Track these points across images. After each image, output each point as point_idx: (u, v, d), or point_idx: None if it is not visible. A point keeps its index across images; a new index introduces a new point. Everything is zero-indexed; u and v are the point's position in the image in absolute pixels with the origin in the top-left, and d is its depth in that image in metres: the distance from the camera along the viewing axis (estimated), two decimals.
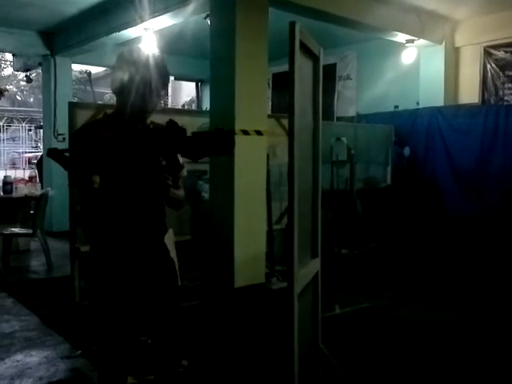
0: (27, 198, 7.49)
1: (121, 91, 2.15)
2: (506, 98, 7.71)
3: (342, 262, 6.48)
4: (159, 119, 2.28)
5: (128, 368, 2.36)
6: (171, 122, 2.03)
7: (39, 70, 10.38)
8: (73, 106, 4.81)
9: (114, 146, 2.13)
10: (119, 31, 7.23)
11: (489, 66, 7.83)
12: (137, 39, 7.62)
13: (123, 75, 2.12)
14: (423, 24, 7.56)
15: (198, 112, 9.41)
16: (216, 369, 3.58)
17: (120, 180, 2.14)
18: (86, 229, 2.26)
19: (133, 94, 2.11)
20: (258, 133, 5.27)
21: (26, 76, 10.44)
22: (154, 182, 2.13)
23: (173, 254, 2.37)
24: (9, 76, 23.74)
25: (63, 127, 8.04)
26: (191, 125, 5.54)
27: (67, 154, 2.10)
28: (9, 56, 15.92)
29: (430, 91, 8.02)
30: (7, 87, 23.01)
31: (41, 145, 15.70)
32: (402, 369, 3.57)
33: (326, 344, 2.90)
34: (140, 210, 2.19)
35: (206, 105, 10.39)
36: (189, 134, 2.05)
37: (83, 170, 2.03)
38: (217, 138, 2.00)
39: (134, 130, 2.18)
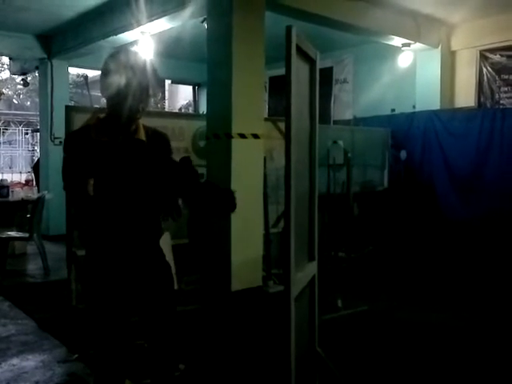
0: (24, 202, 7.47)
1: (108, 94, 2.16)
2: (502, 101, 7.74)
3: (338, 265, 6.47)
4: (156, 123, 2.29)
5: (125, 372, 2.35)
6: (186, 160, 2.05)
7: (36, 74, 10.37)
8: (70, 110, 4.80)
9: (103, 149, 2.13)
10: (116, 35, 7.23)
11: (485, 69, 7.86)
12: (134, 43, 7.63)
13: (109, 78, 2.12)
14: (419, 28, 7.59)
15: (195, 115, 9.41)
16: (213, 373, 3.58)
17: (112, 184, 2.13)
18: (81, 233, 2.26)
19: (119, 96, 2.11)
20: (255, 136, 5.27)
21: (22, 79, 10.42)
22: (147, 186, 2.13)
23: (169, 257, 2.37)
24: (5, 79, 23.69)
25: (60, 131, 8.04)
26: (188, 128, 5.56)
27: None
28: (5, 59, 15.90)
29: (427, 95, 8.05)
30: (4, 90, 22.97)
31: (37, 148, 15.65)
32: (399, 372, 3.57)
33: (323, 347, 2.90)
34: (134, 214, 2.18)
35: (203, 108, 10.39)
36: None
37: (77, 174, 2.04)
38: (224, 198, 2.03)
39: (125, 135, 2.18)
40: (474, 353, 3.90)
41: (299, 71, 2.42)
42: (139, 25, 6.71)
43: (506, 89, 7.71)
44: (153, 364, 2.29)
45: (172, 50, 8.88)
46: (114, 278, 2.19)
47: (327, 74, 9.44)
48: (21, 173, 15.51)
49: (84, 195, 2.01)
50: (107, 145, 2.14)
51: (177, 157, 2.24)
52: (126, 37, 7.33)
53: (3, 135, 19.75)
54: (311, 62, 2.73)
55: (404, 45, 7.76)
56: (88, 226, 2.20)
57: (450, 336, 4.26)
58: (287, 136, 2.24)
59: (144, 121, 2.27)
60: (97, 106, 15.84)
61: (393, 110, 8.45)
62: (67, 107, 4.92)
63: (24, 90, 22.76)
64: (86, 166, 2.06)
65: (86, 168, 2.06)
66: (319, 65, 2.81)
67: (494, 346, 4.05)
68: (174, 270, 2.39)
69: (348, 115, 9.28)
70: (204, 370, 3.60)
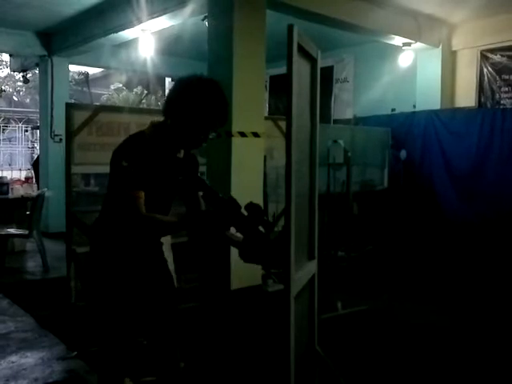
0: (23, 199, 7.47)
1: (185, 120, 2.11)
2: (502, 101, 7.74)
3: (338, 264, 6.48)
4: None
5: (125, 370, 2.36)
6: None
7: (36, 71, 10.37)
8: (70, 107, 4.80)
9: (161, 163, 2.15)
10: (116, 32, 7.23)
11: (485, 69, 7.86)
12: (134, 40, 7.62)
13: (194, 108, 2.08)
14: (420, 27, 7.59)
15: None
16: (212, 371, 3.58)
17: (158, 196, 2.20)
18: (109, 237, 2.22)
19: (198, 129, 2.12)
20: (256, 135, 5.28)
21: (22, 76, 10.42)
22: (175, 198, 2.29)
23: (168, 255, 2.39)
24: (5, 76, 23.68)
25: (60, 128, 8.03)
26: None
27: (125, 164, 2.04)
28: (6, 56, 15.88)
29: (427, 94, 8.05)
30: (4, 88, 22.96)
31: (37, 145, 15.65)
32: (398, 371, 3.57)
33: (322, 346, 2.90)
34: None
35: None
36: None
37: (140, 185, 2.04)
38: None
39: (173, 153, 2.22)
40: (473, 353, 3.90)
41: (300, 70, 2.41)
42: (140, 22, 6.70)
43: (506, 89, 7.71)
44: (156, 361, 2.29)
45: (172, 48, 8.88)
46: (141, 279, 2.23)
47: (328, 73, 9.44)
48: (20, 170, 15.53)
49: (135, 206, 2.01)
50: (164, 159, 2.17)
51: None
52: (126, 34, 7.32)
53: (3, 132, 19.76)
54: (312, 61, 2.72)
55: (405, 44, 7.76)
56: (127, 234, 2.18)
57: (449, 336, 4.26)
58: (288, 135, 2.24)
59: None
60: (97, 103, 15.86)
61: (393, 110, 8.45)
62: (67, 104, 4.92)
63: (24, 87, 22.76)
64: (147, 177, 2.08)
65: (145, 179, 2.07)
66: (320, 64, 2.80)
67: (494, 346, 4.05)
68: (172, 268, 2.41)
69: (348, 114, 9.28)
70: (204, 368, 3.60)
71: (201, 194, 2.29)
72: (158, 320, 2.30)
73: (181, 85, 2.15)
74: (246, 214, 2.05)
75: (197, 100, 2.08)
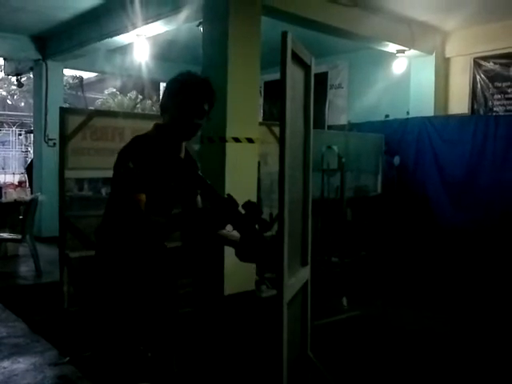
0: (16, 203, 7.44)
1: (176, 115, 2.15)
2: (495, 108, 7.80)
3: (332, 270, 6.48)
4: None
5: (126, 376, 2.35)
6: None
7: (30, 75, 10.35)
8: (64, 112, 4.79)
9: (167, 164, 2.16)
10: (111, 37, 7.23)
11: (478, 76, 7.92)
12: (129, 45, 7.63)
13: (186, 101, 2.12)
14: (414, 34, 7.63)
15: None
16: (206, 376, 3.57)
17: (164, 201, 2.20)
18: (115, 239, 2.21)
19: (190, 122, 2.15)
20: (250, 140, 5.28)
21: (17, 80, 10.39)
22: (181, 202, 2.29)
23: None
24: None
25: (54, 132, 8.00)
26: None
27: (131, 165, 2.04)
28: (0, 60, 15.85)
29: (421, 101, 8.09)
30: None
31: (31, 149, 15.60)
32: (392, 377, 3.57)
33: (316, 352, 2.90)
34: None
35: None
36: None
37: (141, 188, 2.03)
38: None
39: (176, 153, 2.23)
40: (467, 358, 3.91)
41: (294, 76, 2.43)
42: (135, 27, 6.71)
43: (499, 96, 7.76)
44: (151, 367, 2.29)
45: (167, 53, 8.89)
46: (153, 284, 2.24)
47: (322, 79, 9.47)
48: (14, 174, 15.49)
49: (139, 210, 2.01)
50: (169, 160, 2.18)
51: None
52: (121, 39, 7.33)
53: None
54: (306, 68, 2.74)
55: (398, 51, 7.81)
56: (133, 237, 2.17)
57: (444, 342, 4.27)
58: (281, 140, 2.25)
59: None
60: (91, 107, 15.84)
61: (387, 116, 8.48)
62: (61, 109, 4.92)
63: (18, 91, 22.67)
64: (152, 178, 2.08)
65: (149, 181, 2.07)
66: (314, 70, 2.82)
67: (488, 351, 4.06)
68: None
69: (342, 120, 9.31)
70: (197, 373, 3.59)
71: (199, 191, 2.28)
72: (158, 326, 2.29)
73: (168, 81, 2.22)
74: (243, 212, 2.04)
75: (178, 84, 2.15)
